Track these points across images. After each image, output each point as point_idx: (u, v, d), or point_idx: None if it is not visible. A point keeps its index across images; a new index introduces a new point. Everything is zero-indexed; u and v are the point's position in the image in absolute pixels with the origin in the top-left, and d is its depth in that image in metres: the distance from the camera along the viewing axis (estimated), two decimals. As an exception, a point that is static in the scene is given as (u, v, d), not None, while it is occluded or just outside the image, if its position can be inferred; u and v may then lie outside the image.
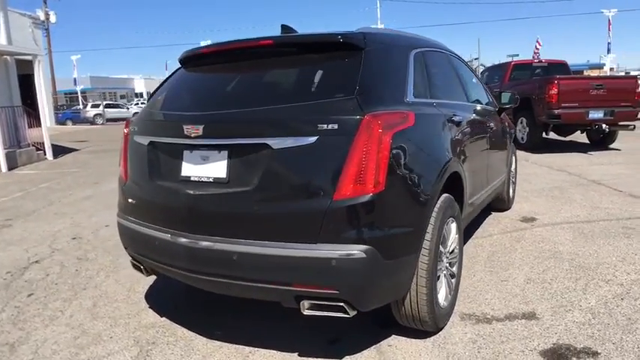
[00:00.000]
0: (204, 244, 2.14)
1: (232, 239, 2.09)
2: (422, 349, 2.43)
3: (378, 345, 2.49)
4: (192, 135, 2.18)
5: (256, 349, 2.50)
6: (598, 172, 7.10)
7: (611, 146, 9.63)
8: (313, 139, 1.97)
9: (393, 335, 2.56)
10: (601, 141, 9.68)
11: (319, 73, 2.23)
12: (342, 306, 2.02)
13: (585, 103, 8.53)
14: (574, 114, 8.56)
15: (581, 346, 2.40)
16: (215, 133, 2.16)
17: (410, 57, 2.60)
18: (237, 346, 2.54)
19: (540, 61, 11.81)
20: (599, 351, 2.35)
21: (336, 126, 1.95)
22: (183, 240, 2.21)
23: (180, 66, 2.79)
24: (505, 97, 4.35)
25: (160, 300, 3.21)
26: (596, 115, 8.61)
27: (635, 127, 9.03)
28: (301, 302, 2.06)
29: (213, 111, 2.25)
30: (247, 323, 2.79)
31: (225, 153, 2.17)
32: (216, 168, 2.19)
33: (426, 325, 2.43)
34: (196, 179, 2.24)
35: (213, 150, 2.20)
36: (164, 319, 2.91)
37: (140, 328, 2.80)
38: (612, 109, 8.58)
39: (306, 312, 2.08)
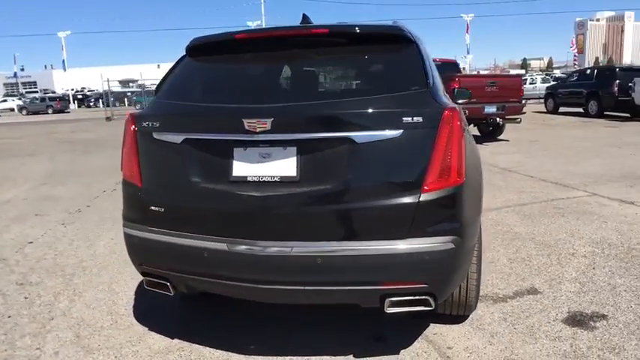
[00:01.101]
0: (277, 250, 1.95)
1: (314, 242, 1.94)
2: (467, 333, 2.53)
3: (423, 335, 2.53)
4: (258, 130, 1.96)
5: (308, 357, 2.36)
6: (503, 160, 8.04)
7: (500, 137, 10.95)
8: (399, 132, 1.92)
9: (431, 324, 2.62)
10: (490, 133, 10.95)
11: (382, 65, 2.18)
12: (426, 299, 2.01)
13: (481, 99, 9.57)
14: (473, 109, 9.55)
15: (589, 311, 2.72)
16: (284, 127, 1.97)
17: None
18: (284, 357, 2.37)
19: (435, 60, 12.91)
20: (605, 313, 2.69)
21: (420, 119, 1.93)
22: (246, 248, 1.98)
23: (191, 52, 2.46)
24: (461, 93, 4.68)
25: (157, 319, 2.83)
26: (490, 109, 9.74)
27: (521, 120, 10.42)
28: (385, 300, 2.00)
29: (280, 103, 2.04)
30: (279, 332, 2.62)
31: (292, 149, 1.99)
32: (282, 166, 2.00)
33: (468, 310, 2.53)
34: (255, 179, 2.02)
35: (276, 146, 2.01)
36: (177, 340, 2.58)
37: (156, 355, 2.45)
38: (503, 104, 9.79)
39: (389, 310, 2.02)
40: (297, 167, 1.98)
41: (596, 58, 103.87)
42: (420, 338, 2.50)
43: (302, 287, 2.00)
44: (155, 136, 2.19)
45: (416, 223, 1.93)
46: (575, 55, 57.84)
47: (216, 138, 2.09)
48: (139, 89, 37.63)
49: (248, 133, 1.99)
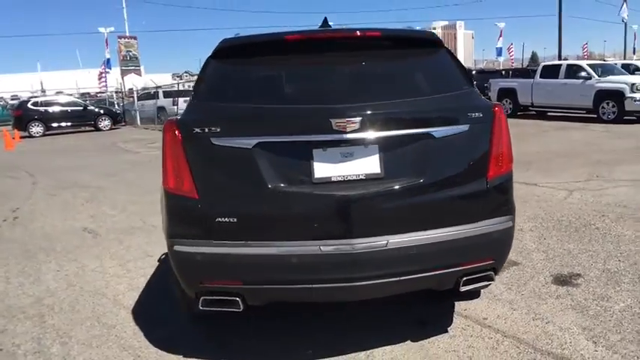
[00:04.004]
0: (373, 245, 1.99)
1: (406, 234, 2.03)
2: (489, 304, 2.83)
3: (456, 313, 2.76)
4: (348, 129, 1.98)
5: (368, 351, 2.42)
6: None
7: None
8: (466, 126, 2.13)
9: (456, 304, 2.87)
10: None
11: (432, 67, 2.35)
12: (490, 274, 2.24)
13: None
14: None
15: (566, 272, 3.25)
16: (368, 126, 2.02)
17: None
18: (347, 355, 2.39)
19: None
20: (578, 272, 3.23)
21: (480, 114, 2.16)
22: (341, 247, 1.98)
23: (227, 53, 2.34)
24: None
25: (189, 344, 2.60)
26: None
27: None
28: (462, 280, 2.17)
29: (362, 102, 2.07)
30: (329, 335, 2.61)
31: (374, 147, 2.05)
32: (365, 164, 2.04)
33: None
34: (340, 179, 2.03)
35: (357, 145, 2.04)
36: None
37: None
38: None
39: (463, 288, 2.21)
40: (380, 164, 2.05)
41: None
42: (456, 316, 2.73)
43: (397, 279, 2.07)
44: (215, 142, 2.05)
45: (485, 206, 2.16)
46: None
47: (294, 140, 2.04)
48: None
49: (335, 133, 2.00)
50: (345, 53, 2.33)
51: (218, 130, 2.05)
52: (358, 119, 2.00)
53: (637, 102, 11.44)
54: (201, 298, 2.15)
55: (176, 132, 2.10)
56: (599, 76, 12.37)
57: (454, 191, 2.12)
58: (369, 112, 2.04)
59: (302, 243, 2.00)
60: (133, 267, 3.83)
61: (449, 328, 2.60)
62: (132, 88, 26.38)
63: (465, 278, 2.19)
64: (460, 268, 2.15)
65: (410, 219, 2.07)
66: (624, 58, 22.54)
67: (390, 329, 2.62)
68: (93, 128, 20.08)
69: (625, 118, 11.84)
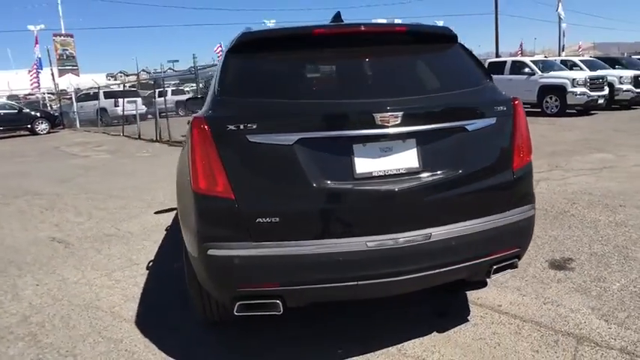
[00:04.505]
0: (418, 238, 1.99)
1: (447, 226, 2.05)
2: (499, 292, 2.93)
3: (471, 302, 2.83)
4: (391, 124, 1.97)
5: (398, 345, 2.42)
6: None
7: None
8: (494, 119, 2.19)
9: (467, 294, 2.94)
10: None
11: (454, 61, 2.38)
12: (515, 261, 2.32)
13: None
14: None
15: (558, 257, 3.43)
16: (408, 120, 2.01)
17: None
18: (379, 351, 2.38)
19: None
20: (570, 257, 3.43)
21: (504, 107, 2.23)
22: (387, 242, 1.97)
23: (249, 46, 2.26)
24: None
25: (210, 353, 2.48)
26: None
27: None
28: (492, 268, 2.23)
29: (400, 97, 2.06)
30: (353, 333, 2.59)
31: (412, 141, 2.05)
32: (404, 158, 2.04)
33: None
34: (381, 174, 2.01)
35: (396, 139, 2.03)
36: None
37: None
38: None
39: (493, 276, 2.27)
40: (418, 158, 2.06)
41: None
42: (471, 305, 2.80)
43: (438, 270, 2.08)
44: (252, 139, 1.96)
45: (512, 196, 2.23)
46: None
47: (335, 135, 2.00)
48: None
49: (377, 128, 1.98)
50: (371, 48, 2.32)
51: (255, 126, 1.96)
52: (400, 113, 1.99)
53: (577, 96, 12.33)
54: (237, 303, 2.05)
55: (207, 130, 1.99)
56: (541, 72, 13.19)
57: (486, 183, 2.17)
58: (409, 107, 2.04)
59: (348, 240, 1.97)
60: (120, 277, 3.60)
61: (469, 317, 2.67)
62: (64, 90, 24.85)
63: (495, 266, 2.25)
64: (492, 257, 2.20)
65: (449, 211, 2.10)
66: (559, 55, 24.27)
67: (412, 323, 2.64)
68: (29, 132, 18.70)
69: (567, 111, 12.73)
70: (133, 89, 22.98)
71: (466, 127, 2.13)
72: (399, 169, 2.04)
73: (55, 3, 22.45)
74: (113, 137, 16.45)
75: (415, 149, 2.07)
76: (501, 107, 2.23)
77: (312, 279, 2.00)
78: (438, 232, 2.04)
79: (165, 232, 4.69)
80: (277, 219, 1.95)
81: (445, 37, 2.48)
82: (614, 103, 13.88)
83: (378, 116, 1.97)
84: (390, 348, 2.41)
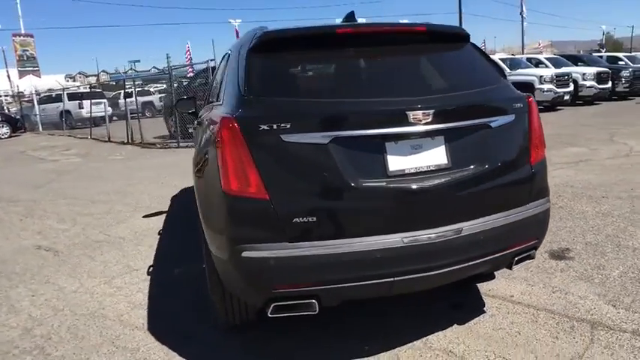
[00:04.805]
0: (451, 233, 2.03)
1: (477, 220, 2.10)
2: (509, 283, 3.01)
3: (484, 294, 2.90)
4: (423, 121, 1.99)
5: (422, 338, 2.46)
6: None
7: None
8: (513, 116, 2.27)
9: (478, 285, 3.02)
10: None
11: (471, 60, 2.43)
12: (533, 252, 2.40)
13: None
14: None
15: (557, 248, 3.56)
16: (438, 117, 2.04)
17: None
18: (406, 346, 2.41)
19: None
20: (567, 247, 3.56)
21: (521, 105, 2.31)
22: (423, 237, 2.00)
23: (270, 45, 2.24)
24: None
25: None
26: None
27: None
28: (515, 259, 2.30)
29: (431, 95, 2.09)
30: (374, 329, 2.61)
31: (440, 138, 2.09)
32: (433, 155, 2.07)
33: None
34: (412, 171, 2.04)
35: (426, 137, 2.06)
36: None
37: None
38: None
39: (514, 267, 2.35)
40: (447, 155, 2.10)
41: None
42: (484, 297, 2.87)
43: (467, 264, 2.13)
44: (286, 138, 1.94)
45: (531, 190, 2.31)
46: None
47: (369, 134, 2.00)
48: None
49: (410, 125, 2.01)
50: (393, 47, 2.36)
51: (288, 126, 1.94)
52: (431, 111, 2.02)
53: (545, 92, 12.81)
54: (273, 304, 2.03)
55: (238, 130, 1.96)
56: (510, 70, 13.63)
57: (509, 177, 2.24)
58: (439, 104, 2.08)
59: (384, 237, 1.98)
60: (121, 283, 3.49)
61: (485, 309, 2.73)
62: (22, 92, 23.79)
63: (516, 258, 2.32)
64: (516, 248, 2.27)
65: (477, 206, 2.15)
66: (522, 53, 25.09)
67: (431, 317, 2.68)
68: (-12, 137, 17.84)
69: (534, 107, 13.18)
70: (98, 90, 22.25)
71: (490, 123, 2.19)
72: (429, 166, 2.07)
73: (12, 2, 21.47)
74: (80, 140, 15.91)
75: (443, 146, 2.10)
76: (518, 104, 2.30)
77: (350, 277, 2.00)
78: (468, 227, 2.08)
79: (158, 237, 4.58)
80: (314, 218, 1.95)
81: (459, 37, 2.53)
82: (579, 99, 14.51)
83: (411, 114, 2.00)
84: (415, 342, 2.44)
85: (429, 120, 2.03)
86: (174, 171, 8.13)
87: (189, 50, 28.86)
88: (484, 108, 2.23)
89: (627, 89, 15.83)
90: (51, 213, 5.83)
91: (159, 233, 4.70)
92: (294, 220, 1.94)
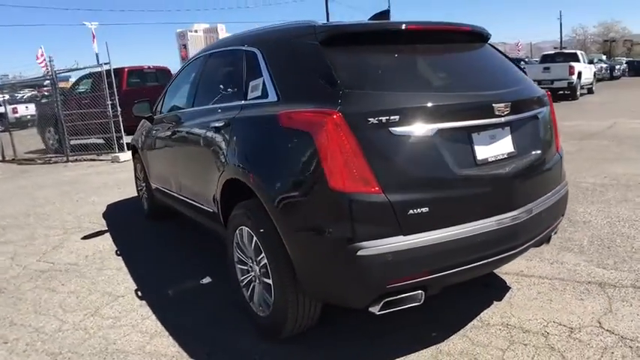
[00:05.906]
0: (526, 213, 2.25)
1: (539, 199, 2.36)
2: (527, 262, 3.31)
3: (506, 274, 3.18)
4: (505, 113, 2.18)
5: (476, 318, 2.63)
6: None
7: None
8: (546, 108, 2.61)
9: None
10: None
11: (501, 59, 2.69)
12: (558, 228, 2.76)
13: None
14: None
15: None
16: (511, 109, 2.24)
17: None
18: (467, 326, 2.56)
19: (149, 68, 12.57)
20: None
21: (545, 98, 2.64)
22: (512, 218, 2.18)
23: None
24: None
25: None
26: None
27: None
28: (552, 235, 2.63)
29: (507, 89, 2.31)
30: (421, 317, 2.70)
31: (507, 129, 2.29)
32: (504, 144, 2.27)
33: None
34: (493, 159, 2.21)
35: (497, 128, 2.25)
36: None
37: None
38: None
39: (550, 242, 2.72)
40: (512, 143, 2.32)
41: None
42: (505, 276, 3.15)
43: (533, 240, 2.38)
44: (395, 131, 1.95)
45: (561, 172, 2.68)
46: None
47: (462, 125, 2.12)
48: None
49: (493, 117, 2.18)
50: (453, 45, 2.58)
51: (397, 119, 1.96)
52: (510, 104, 2.23)
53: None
54: (384, 300, 2.01)
55: (344, 124, 1.90)
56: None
57: (551, 161, 2.56)
58: (514, 97, 2.31)
59: (482, 221, 2.11)
60: (115, 313, 3.04)
61: (508, 284, 3.02)
62: None
63: (552, 233, 2.64)
64: (555, 223, 2.61)
65: (536, 187, 2.41)
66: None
67: (469, 298, 2.86)
68: None
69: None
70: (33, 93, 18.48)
71: (537, 115, 2.49)
72: (503, 154, 2.27)
73: None
74: None
75: (510, 136, 2.32)
76: (545, 98, 2.64)
77: (456, 263, 2.09)
78: (535, 207, 2.33)
79: (120, 258, 4.06)
80: (427, 209, 1.99)
81: (487, 38, 2.78)
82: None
83: (496, 107, 2.18)
84: (474, 321, 2.60)
85: (508, 112, 2.22)
86: (82, 187, 7.22)
87: (43, 54, 25.47)
88: (535, 101, 2.52)
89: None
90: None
91: (117, 254, 4.16)
92: (409, 213, 1.96)
